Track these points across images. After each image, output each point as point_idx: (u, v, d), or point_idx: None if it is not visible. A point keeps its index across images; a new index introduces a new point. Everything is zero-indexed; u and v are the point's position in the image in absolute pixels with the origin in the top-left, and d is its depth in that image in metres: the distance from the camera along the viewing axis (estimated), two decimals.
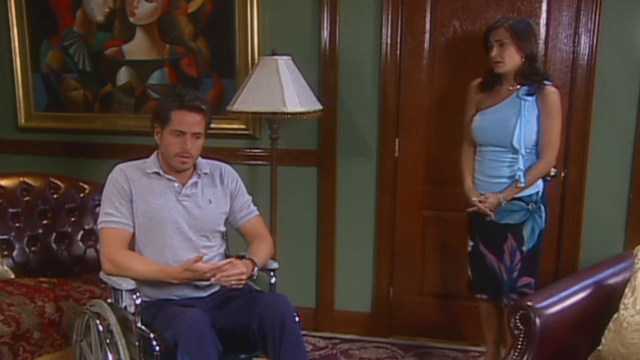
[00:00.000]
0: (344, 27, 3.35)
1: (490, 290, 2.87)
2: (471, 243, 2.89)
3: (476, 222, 2.83)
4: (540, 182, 2.77)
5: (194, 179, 2.53)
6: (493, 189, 2.74)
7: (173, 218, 2.47)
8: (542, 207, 2.76)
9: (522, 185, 2.68)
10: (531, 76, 2.67)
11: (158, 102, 2.60)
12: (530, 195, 2.73)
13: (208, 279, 2.39)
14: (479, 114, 2.79)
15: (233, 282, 2.38)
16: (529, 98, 2.67)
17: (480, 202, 2.73)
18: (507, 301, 2.79)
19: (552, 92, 2.68)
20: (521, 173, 2.67)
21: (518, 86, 2.71)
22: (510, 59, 2.66)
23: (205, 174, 2.57)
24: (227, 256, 2.65)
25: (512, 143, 2.66)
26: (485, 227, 2.79)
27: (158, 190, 2.48)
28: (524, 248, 2.75)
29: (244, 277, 2.40)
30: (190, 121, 2.42)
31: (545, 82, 2.69)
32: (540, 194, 2.76)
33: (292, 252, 3.55)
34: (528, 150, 2.69)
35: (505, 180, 2.73)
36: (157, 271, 2.41)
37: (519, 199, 2.72)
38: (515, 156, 2.69)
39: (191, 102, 2.42)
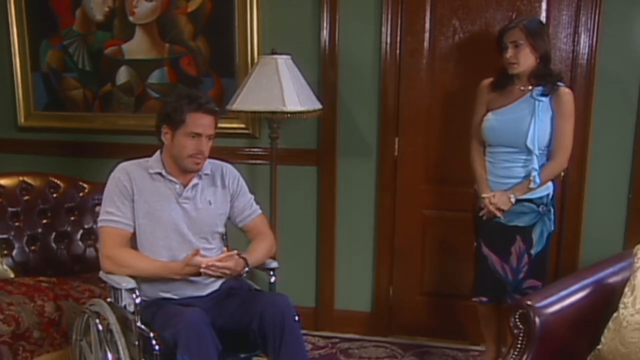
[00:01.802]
0: (343, 27, 3.34)
1: (491, 293, 2.84)
2: (476, 244, 2.86)
3: (483, 223, 2.78)
4: (550, 184, 2.74)
5: (195, 180, 2.53)
6: (505, 189, 2.70)
7: (173, 220, 2.47)
8: (552, 210, 2.73)
9: (534, 185, 2.64)
10: (545, 77, 2.65)
11: (162, 102, 2.58)
12: (541, 197, 2.70)
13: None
14: (491, 114, 2.75)
15: (218, 274, 2.38)
16: (543, 99, 2.64)
17: (490, 202, 2.68)
18: (510, 301, 2.74)
19: (566, 93, 2.66)
20: (536, 173, 2.63)
21: (530, 86, 2.68)
22: (525, 59, 2.63)
23: (207, 174, 2.57)
24: None
25: (526, 144, 2.62)
26: (493, 229, 2.75)
27: (159, 191, 2.48)
28: (533, 251, 2.71)
29: (228, 272, 2.40)
30: (205, 123, 2.43)
31: (559, 83, 2.67)
32: (550, 196, 2.73)
33: (292, 251, 3.54)
34: (540, 152, 2.66)
35: (519, 180, 2.69)
36: (159, 267, 2.41)
37: (530, 200, 2.69)
38: (529, 157, 2.65)
39: (208, 105, 2.43)
